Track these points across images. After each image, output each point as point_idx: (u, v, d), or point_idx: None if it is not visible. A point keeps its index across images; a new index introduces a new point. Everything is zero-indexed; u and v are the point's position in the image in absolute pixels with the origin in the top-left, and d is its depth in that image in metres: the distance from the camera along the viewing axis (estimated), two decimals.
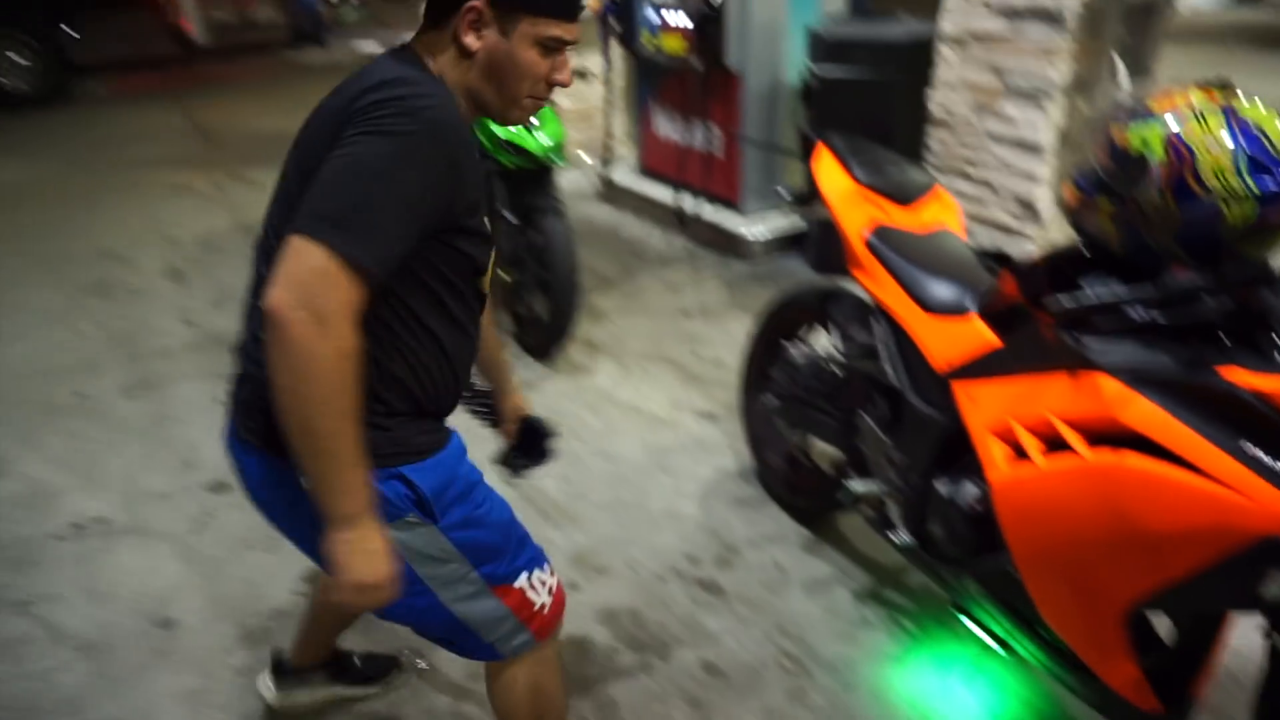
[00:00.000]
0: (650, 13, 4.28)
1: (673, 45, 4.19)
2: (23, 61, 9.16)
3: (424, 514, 1.23)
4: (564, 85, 1.22)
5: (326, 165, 1.05)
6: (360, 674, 1.91)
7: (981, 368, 1.66)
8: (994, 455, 1.55)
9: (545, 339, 3.33)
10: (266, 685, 1.85)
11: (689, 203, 4.46)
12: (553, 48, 1.18)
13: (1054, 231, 3.00)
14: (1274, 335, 1.24)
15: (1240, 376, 1.20)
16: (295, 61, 11.56)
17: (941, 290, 1.82)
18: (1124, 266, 1.42)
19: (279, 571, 2.31)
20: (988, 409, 1.61)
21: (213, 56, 11.12)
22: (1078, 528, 1.38)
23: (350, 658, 1.91)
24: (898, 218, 2.01)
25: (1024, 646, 1.67)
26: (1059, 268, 1.53)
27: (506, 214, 3.28)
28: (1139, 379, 1.29)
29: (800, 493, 2.44)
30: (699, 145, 4.40)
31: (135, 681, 2.01)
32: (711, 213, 4.39)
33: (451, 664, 1.97)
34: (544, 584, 1.40)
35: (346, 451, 1.04)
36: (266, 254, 1.15)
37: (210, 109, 8.77)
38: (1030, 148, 2.89)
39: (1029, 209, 2.97)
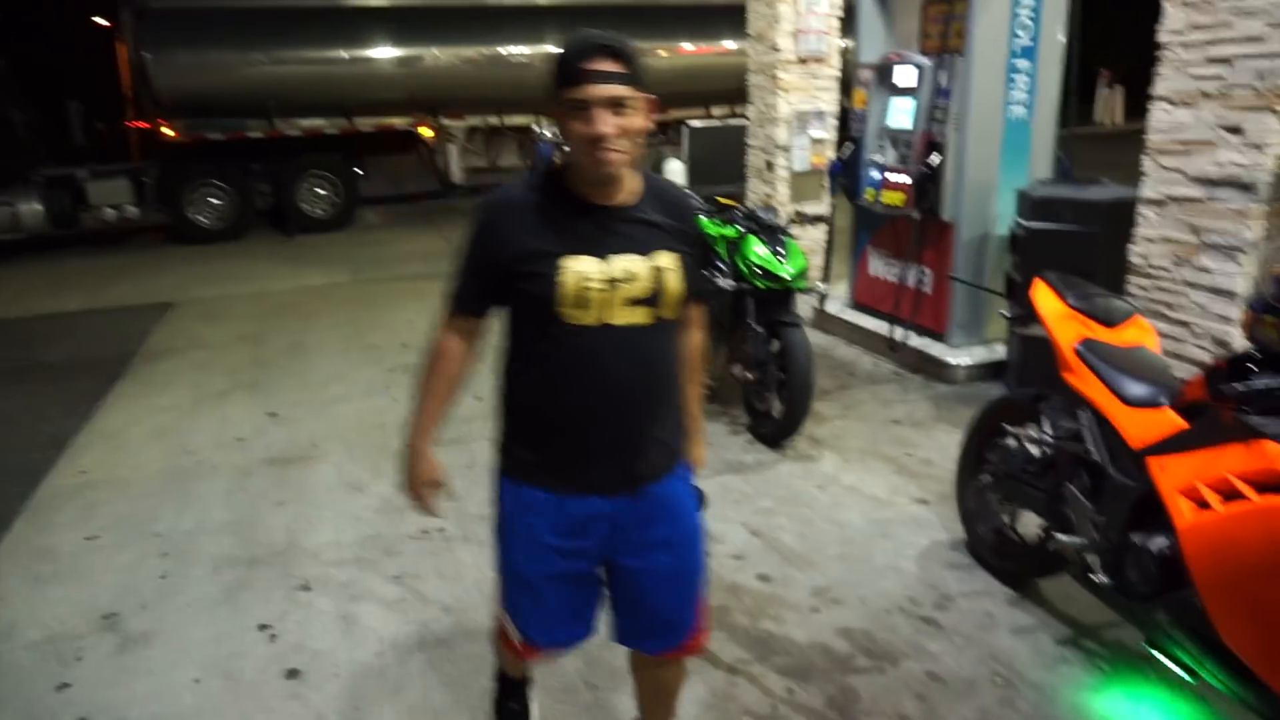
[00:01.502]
0: (873, 171, 5.06)
1: (892, 198, 4.93)
2: (322, 192, 11.20)
3: (498, 513, 1.76)
4: (599, 136, 1.46)
5: None
6: None
7: (1172, 445, 2.15)
8: (1181, 509, 2.03)
9: (778, 431, 3.98)
10: None
11: (898, 332, 5.07)
12: (582, 108, 1.46)
13: None
14: None
15: None
16: None
17: (1138, 388, 2.34)
18: None
19: None
20: (1176, 475, 2.09)
21: (462, 192, 13.03)
22: (1252, 559, 1.84)
23: None
24: (1103, 335, 2.55)
25: (1209, 670, 2.06)
26: (1237, 368, 2.04)
27: (754, 325, 4.03)
28: None
29: (1006, 558, 2.90)
30: (909, 283, 5.04)
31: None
32: (919, 342, 4.97)
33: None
34: (512, 630, 1.82)
35: (421, 407, 1.73)
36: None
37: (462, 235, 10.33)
38: (1225, 293, 3.33)
39: (1224, 347, 3.36)
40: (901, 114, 4.87)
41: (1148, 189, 3.61)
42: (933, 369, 4.83)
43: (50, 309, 7.55)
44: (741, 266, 4.05)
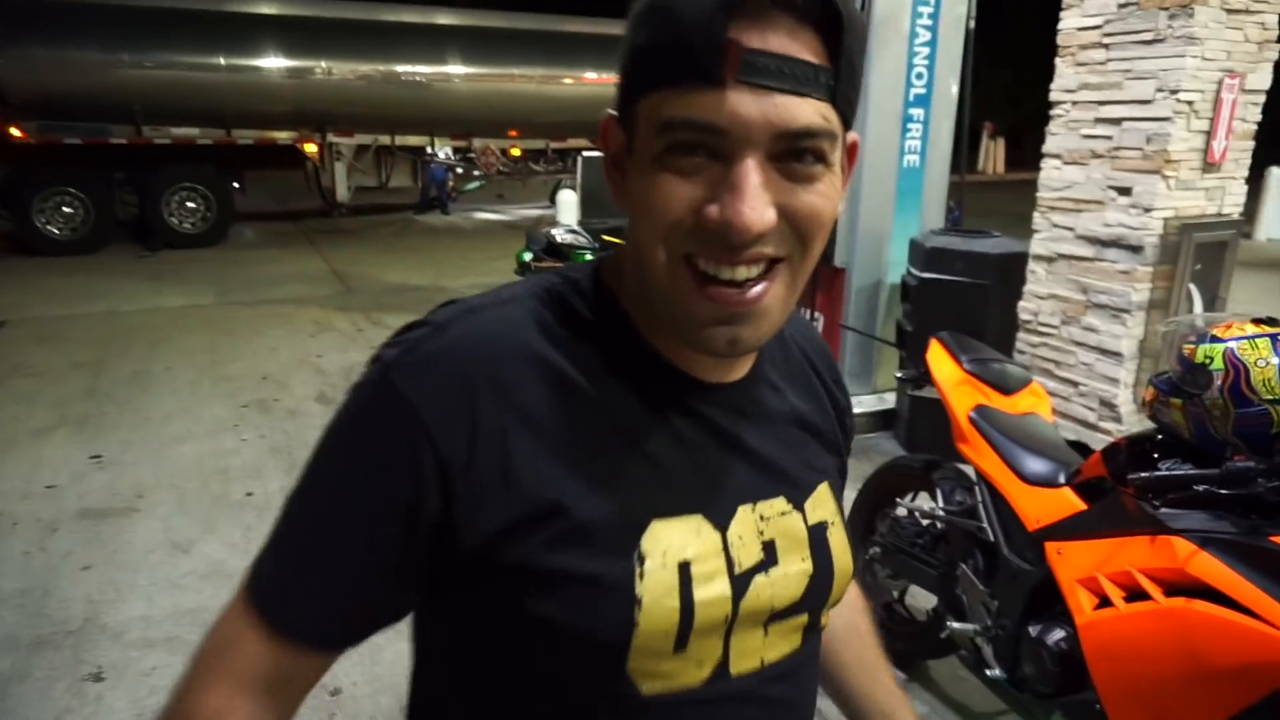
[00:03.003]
0: None
1: None
2: (192, 206, 10.47)
3: None
4: (738, 227, 0.60)
5: None
6: None
7: (1070, 528, 1.98)
8: (1081, 602, 1.85)
9: None
10: None
11: None
12: (687, 150, 0.62)
13: (1133, 429, 3.31)
14: None
15: None
16: (420, 223, 12.85)
17: (1036, 465, 2.17)
18: (1193, 451, 1.77)
19: None
20: (1075, 563, 1.92)
21: (347, 212, 12.46)
22: (1155, 665, 1.66)
23: None
24: (998, 403, 2.39)
25: None
26: (1139, 450, 1.89)
27: None
28: (1207, 541, 1.61)
29: (895, 637, 2.70)
30: None
31: None
32: None
33: None
34: None
35: None
36: None
37: (345, 258, 9.79)
38: (1112, 354, 3.27)
39: (1110, 408, 3.31)
40: None
41: (1038, 245, 3.56)
42: None
43: None
44: None
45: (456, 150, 12.47)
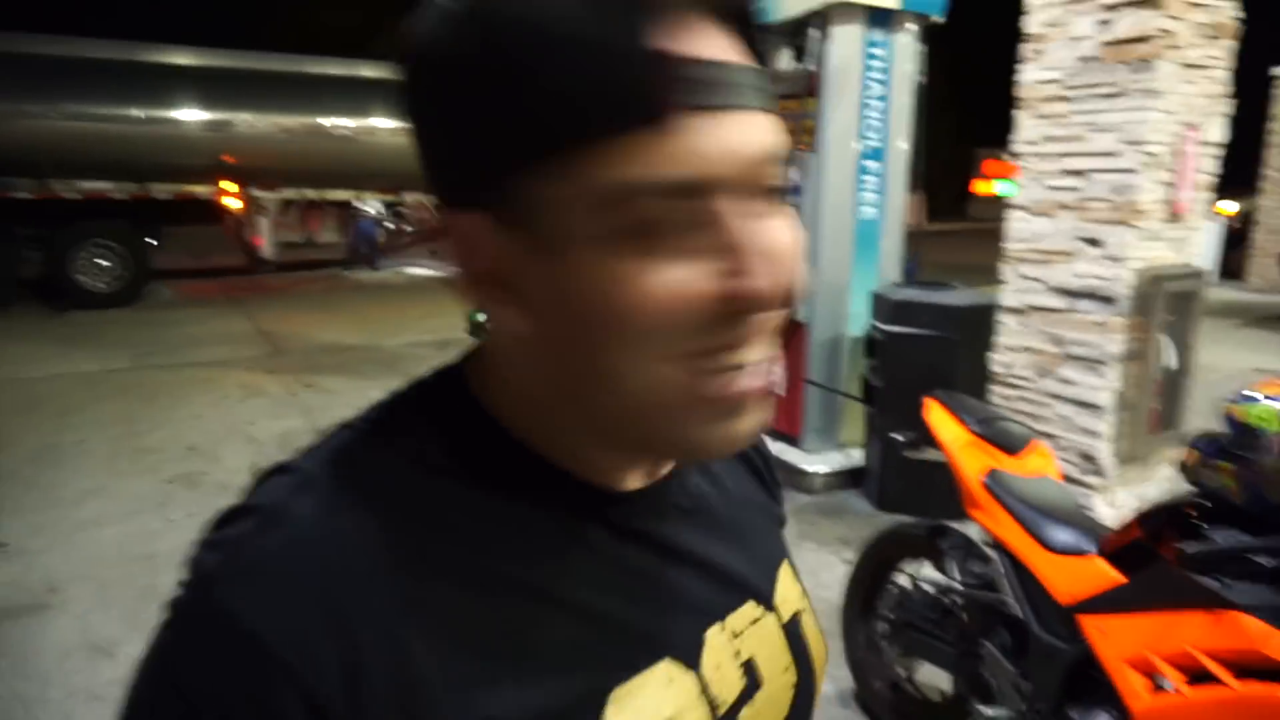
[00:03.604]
0: None
1: None
2: (105, 264, 9.91)
3: None
4: (759, 302, 0.50)
5: None
6: None
7: (1111, 603, 1.86)
8: (1134, 685, 1.72)
9: None
10: None
11: None
12: (678, 196, 0.49)
13: (1115, 482, 3.26)
14: None
15: None
16: (349, 280, 12.46)
17: (1060, 533, 2.05)
18: (1243, 517, 1.67)
19: None
20: (1121, 641, 1.79)
21: (273, 269, 11.99)
22: None
23: None
24: (1007, 465, 2.28)
25: None
26: (1179, 516, 1.78)
27: None
28: None
29: (905, 717, 2.53)
30: None
31: None
32: (773, 447, 4.68)
33: None
34: None
35: None
36: None
37: (273, 317, 9.37)
38: (1091, 406, 3.23)
39: (1090, 460, 3.25)
40: None
41: (1009, 297, 3.53)
42: (788, 476, 4.55)
43: None
44: None
45: (388, 204, 12.19)
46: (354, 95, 11.15)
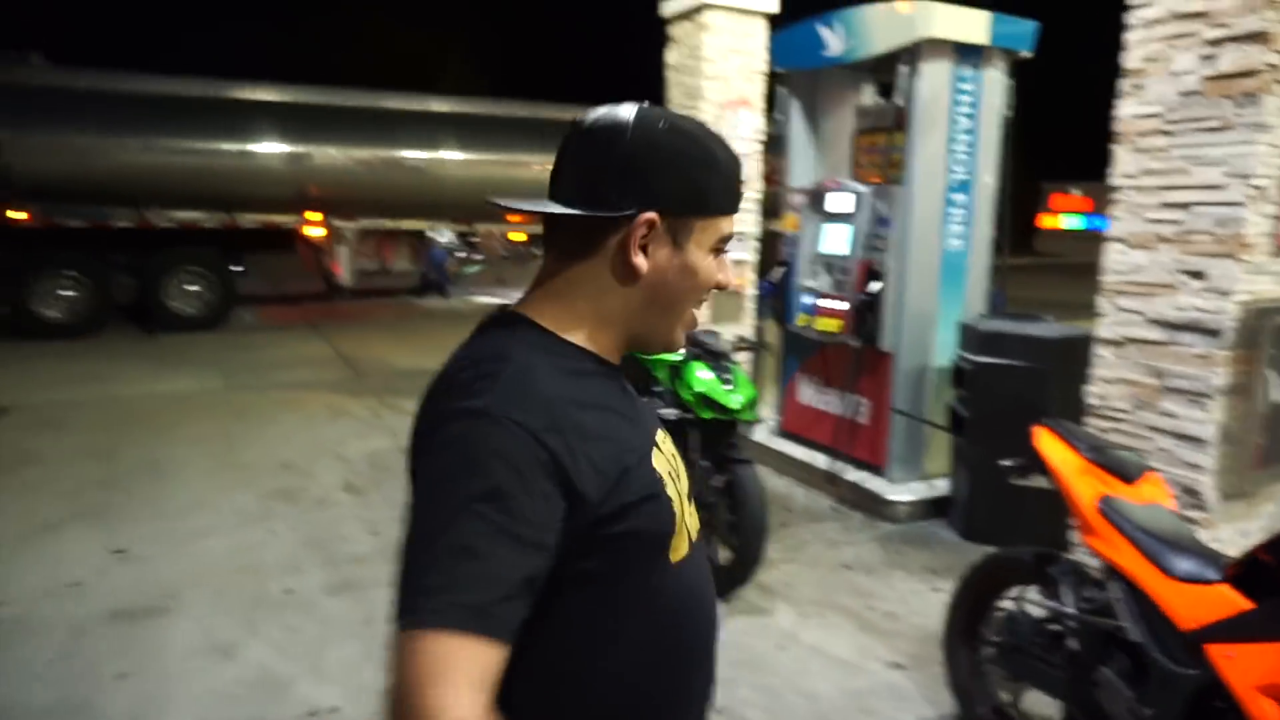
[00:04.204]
0: (806, 296, 4.90)
1: (828, 325, 4.75)
2: (194, 289, 10.35)
3: None
4: (729, 286, 1.05)
5: None
6: None
7: (1238, 629, 1.86)
8: (1267, 713, 1.73)
9: (728, 580, 3.55)
10: None
11: (827, 463, 4.80)
12: (722, 249, 1.02)
13: (1218, 518, 3.22)
14: None
15: None
16: (420, 306, 12.80)
17: (1180, 559, 2.06)
18: None
19: None
20: (1251, 668, 1.80)
21: (347, 296, 12.39)
22: None
23: None
24: (1122, 492, 2.30)
25: None
26: None
27: (699, 460, 3.65)
28: None
29: None
30: (845, 413, 4.82)
31: None
32: (856, 475, 4.71)
33: None
34: None
35: None
36: None
37: (351, 342, 9.67)
38: (1193, 440, 3.20)
39: (1193, 494, 3.22)
40: (836, 240, 4.76)
41: (1105, 329, 3.52)
42: (873, 505, 4.56)
43: None
44: (684, 395, 3.70)
45: (460, 234, 12.52)
46: (426, 128, 11.53)
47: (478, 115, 12.12)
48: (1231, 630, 1.88)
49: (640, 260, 0.95)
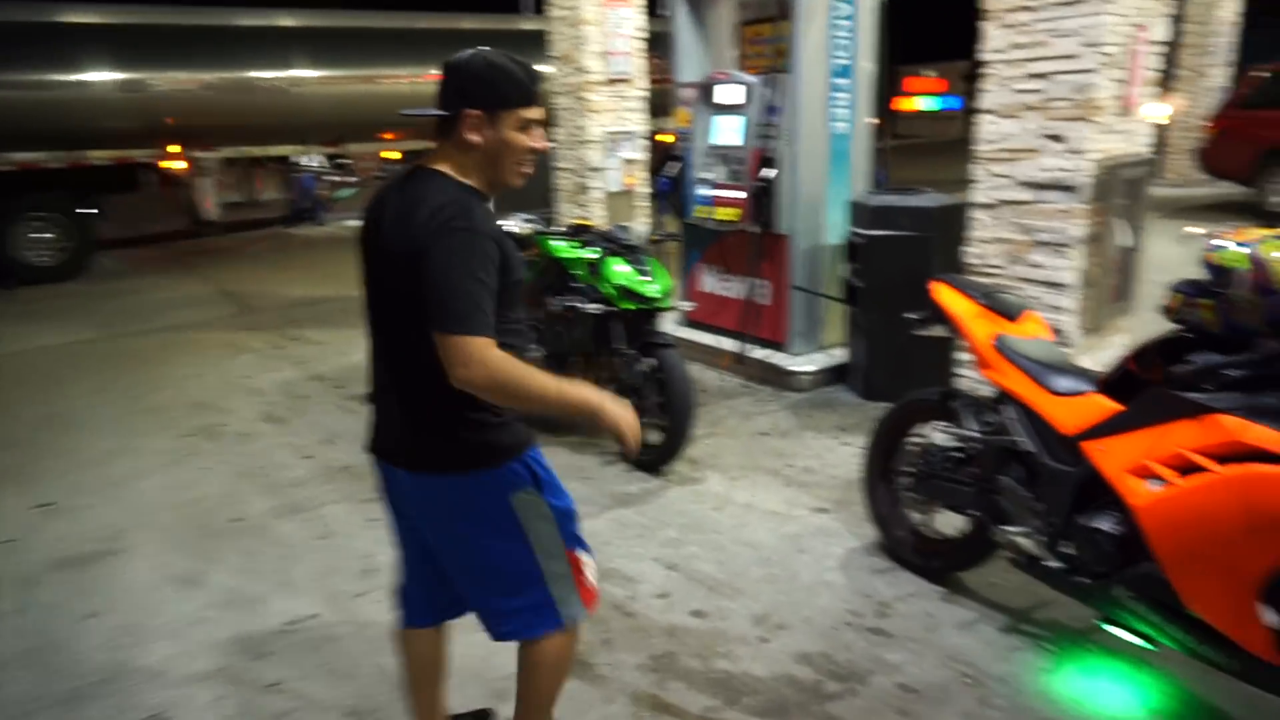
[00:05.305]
0: (703, 188, 5.10)
1: (727, 214, 4.98)
2: (48, 235, 9.63)
3: (535, 486, 1.81)
4: (542, 151, 1.77)
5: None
6: None
7: (1110, 427, 2.25)
8: (1133, 488, 2.12)
9: (659, 456, 3.83)
10: None
11: (734, 345, 5.12)
12: (528, 127, 1.72)
13: (1080, 351, 3.70)
14: None
15: None
16: (296, 236, 12.31)
17: (1061, 379, 2.44)
18: (1219, 344, 2.05)
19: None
20: (1121, 456, 2.18)
21: (217, 231, 11.78)
22: (1218, 526, 1.93)
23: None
24: (1009, 330, 2.65)
25: (1170, 636, 2.16)
26: (1167, 349, 2.17)
27: (624, 349, 3.86)
28: (1253, 412, 1.89)
29: (929, 556, 2.94)
30: (746, 296, 5.11)
31: None
32: (761, 353, 5.04)
33: None
34: (589, 565, 1.93)
35: (556, 392, 1.68)
36: (387, 333, 1.81)
37: (231, 278, 9.29)
38: (1057, 285, 3.63)
39: (1059, 334, 3.66)
40: (729, 131, 4.94)
41: (980, 194, 3.88)
42: (779, 378, 4.92)
43: None
44: (604, 289, 3.88)
45: (329, 157, 12.01)
46: (276, 46, 10.87)
47: (333, 28, 11.48)
48: (1104, 429, 2.26)
49: (473, 136, 1.70)
